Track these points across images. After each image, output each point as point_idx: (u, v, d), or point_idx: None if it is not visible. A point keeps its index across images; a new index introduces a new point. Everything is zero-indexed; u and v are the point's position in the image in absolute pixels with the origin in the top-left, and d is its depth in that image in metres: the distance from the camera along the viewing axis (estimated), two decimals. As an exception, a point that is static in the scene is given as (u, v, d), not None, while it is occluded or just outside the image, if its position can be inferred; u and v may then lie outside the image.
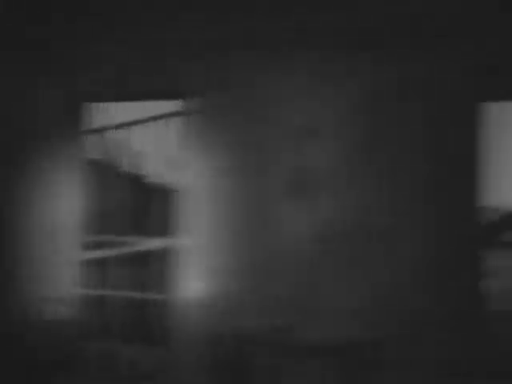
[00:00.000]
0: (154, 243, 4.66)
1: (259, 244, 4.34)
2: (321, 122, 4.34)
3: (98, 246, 4.68)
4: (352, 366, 4.18)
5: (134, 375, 4.43)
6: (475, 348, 4.25)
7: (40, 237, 4.57)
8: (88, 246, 4.68)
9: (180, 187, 4.41)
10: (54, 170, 4.57)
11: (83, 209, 4.56)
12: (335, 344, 4.23)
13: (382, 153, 4.33)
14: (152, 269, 4.66)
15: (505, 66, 4.35)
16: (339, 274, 4.30)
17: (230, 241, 4.36)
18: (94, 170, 4.66)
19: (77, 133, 4.56)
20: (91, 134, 4.65)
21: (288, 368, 4.27)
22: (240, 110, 4.38)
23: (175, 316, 4.35)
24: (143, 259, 4.68)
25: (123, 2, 4.35)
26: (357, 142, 4.32)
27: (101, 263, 4.69)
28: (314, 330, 4.28)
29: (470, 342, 4.24)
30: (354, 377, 4.15)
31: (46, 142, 4.57)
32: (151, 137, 4.70)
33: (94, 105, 4.60)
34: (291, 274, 4.33)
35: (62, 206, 4.55)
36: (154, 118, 4.65)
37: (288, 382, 4.25)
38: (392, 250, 4.31)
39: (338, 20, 4.33)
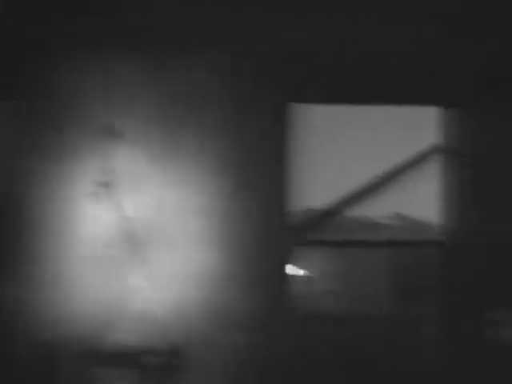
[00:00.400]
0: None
1: (66, 247, 4.22)
2: (126, 124, 4.28)
3: None
4: (153, 373, 4.08)
5: None
6: (280, 348, 4.25)
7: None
8: None
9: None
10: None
11: None
12: (138, 351, 4.16)
13: (187, 155, 4.28)
14: None
15: (313, 69, 4.40)
16: (143, 279, 4.20)
17: (37, 245, 4.23)
18: None
19: None
20: None
21: (94, 375, 4.18)
22: (42, 112, 4.27)
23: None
24: None
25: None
26: (161, 144, 4.27)
27: None
28: (120, 337, 4.20)
29: (276, 344, 4.24)
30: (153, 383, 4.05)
31: None
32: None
33: None
34: (98, 279, 4.23)
35: None
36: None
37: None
38: (195, 251, 4.27)
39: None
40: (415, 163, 4.49)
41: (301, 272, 4.38)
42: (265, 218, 4.29)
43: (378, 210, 4.51)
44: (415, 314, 4.50)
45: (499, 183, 4.48)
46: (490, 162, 4.50)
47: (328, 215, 4.47)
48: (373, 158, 4.35)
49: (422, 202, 4.46)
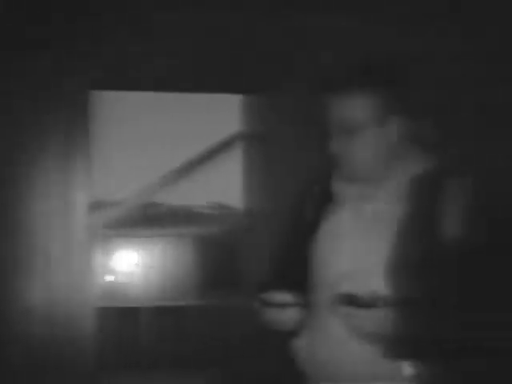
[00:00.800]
0: None
1: None
2: None
3: None
4: None
5: None
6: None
7: None
8: None
9: None
10: None
11: None
12: None
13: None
14: None
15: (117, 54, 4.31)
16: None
17: None
18: None
19: None
20: None
21: None
22: None
23: None
24: None
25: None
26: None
27: None
28: None
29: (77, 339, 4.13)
30: None
31: None
32: None
33: None
34: None
35: None
36: None
37: None
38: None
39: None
40: (220, 150, 4.49)
41: (108, 266, 4.29)
42: (68, 212, 4.15)
43: (187, 199, 4.49)
44: (227, 304, 4.50)
45: (304, 168, 4.55)
46: (293, 148, 4.56)
47: (132, 206, 4.40)
48: (178, 146, 4.33)
49: (230, 188, 4.48)
